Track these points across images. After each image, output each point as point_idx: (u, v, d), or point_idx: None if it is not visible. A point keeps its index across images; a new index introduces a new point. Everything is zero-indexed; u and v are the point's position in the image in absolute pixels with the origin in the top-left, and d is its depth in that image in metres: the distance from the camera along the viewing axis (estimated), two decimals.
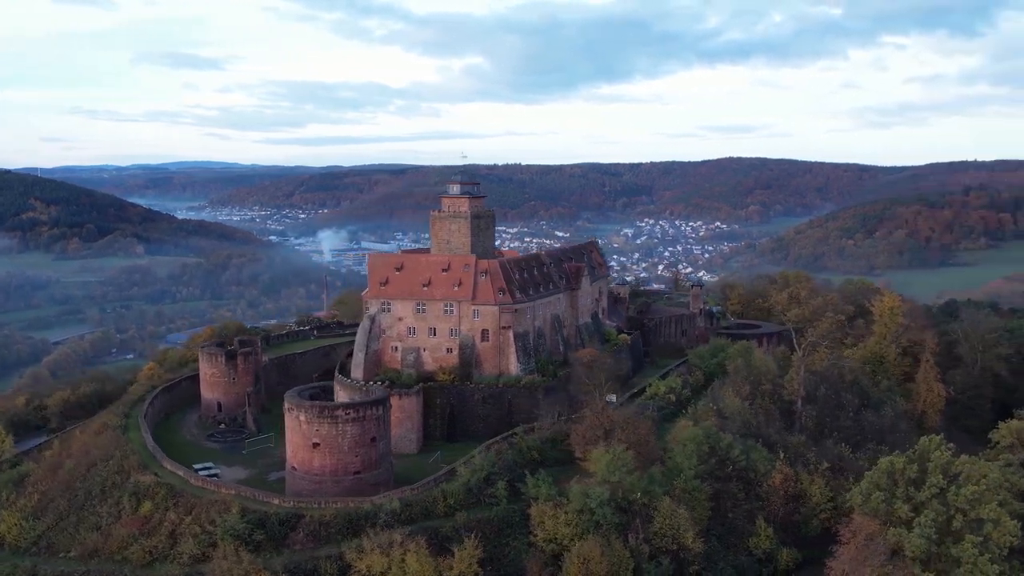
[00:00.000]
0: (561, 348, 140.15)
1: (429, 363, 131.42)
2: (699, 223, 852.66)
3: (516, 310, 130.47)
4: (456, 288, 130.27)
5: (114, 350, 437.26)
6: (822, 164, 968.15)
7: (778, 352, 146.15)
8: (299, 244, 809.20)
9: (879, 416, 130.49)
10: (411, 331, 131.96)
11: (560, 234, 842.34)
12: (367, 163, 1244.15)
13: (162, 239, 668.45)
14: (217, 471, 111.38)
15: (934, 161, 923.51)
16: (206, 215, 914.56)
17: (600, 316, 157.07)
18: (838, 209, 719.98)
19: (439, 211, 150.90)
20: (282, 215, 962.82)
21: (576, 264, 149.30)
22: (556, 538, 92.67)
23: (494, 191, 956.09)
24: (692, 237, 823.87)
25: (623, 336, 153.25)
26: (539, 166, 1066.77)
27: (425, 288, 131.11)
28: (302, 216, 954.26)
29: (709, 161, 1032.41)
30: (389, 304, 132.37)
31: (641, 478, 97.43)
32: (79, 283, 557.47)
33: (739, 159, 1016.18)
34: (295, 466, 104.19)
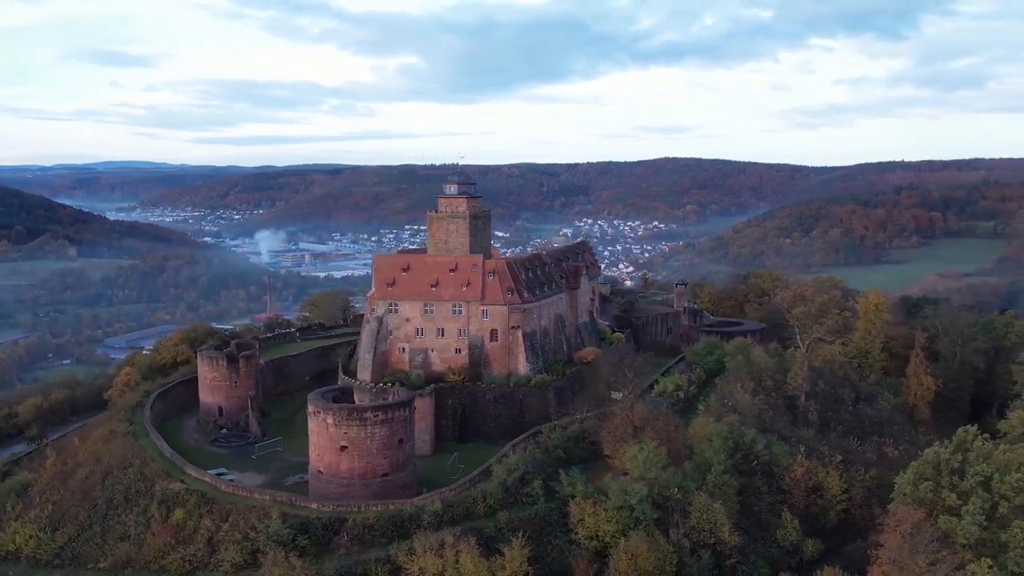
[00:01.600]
0: (565, 347, 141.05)
1: (437, 364, 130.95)
2: (637, 223, 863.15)
3: (524, 310, 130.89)
4: (465, 288, 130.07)
5: (50, 355, 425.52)
6: (755, 164, 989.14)
7: (771, 348, 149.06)
8: (236, 245, 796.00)
9: (876, 409, 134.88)
10: (419, 332, 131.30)
11: (500, 234, 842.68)
12: (301, 163, 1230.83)
13: (95, 241, 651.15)
14: (232, 477, 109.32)
15: (863, 161, 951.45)
16: (138, 216, 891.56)
17: (594, 315, 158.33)
18: (775, 208, 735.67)
19: (436, 211, 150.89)
20: (216, 216, 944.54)
21: (575, 263, 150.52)
22: (598, 535, 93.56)
23: (432, 191, 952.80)
24: (631, 237, 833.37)
25: (618, 334, 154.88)
26: (477, 166, 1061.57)
27: (433, 288, 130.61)
28: (237, 217, 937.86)
29: (645, 161, 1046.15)
30: (396, 305, 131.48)
31: (675, 474, 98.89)
32: (9, 287, 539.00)
33: (674, 159, 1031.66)
34: (321, 470, 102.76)
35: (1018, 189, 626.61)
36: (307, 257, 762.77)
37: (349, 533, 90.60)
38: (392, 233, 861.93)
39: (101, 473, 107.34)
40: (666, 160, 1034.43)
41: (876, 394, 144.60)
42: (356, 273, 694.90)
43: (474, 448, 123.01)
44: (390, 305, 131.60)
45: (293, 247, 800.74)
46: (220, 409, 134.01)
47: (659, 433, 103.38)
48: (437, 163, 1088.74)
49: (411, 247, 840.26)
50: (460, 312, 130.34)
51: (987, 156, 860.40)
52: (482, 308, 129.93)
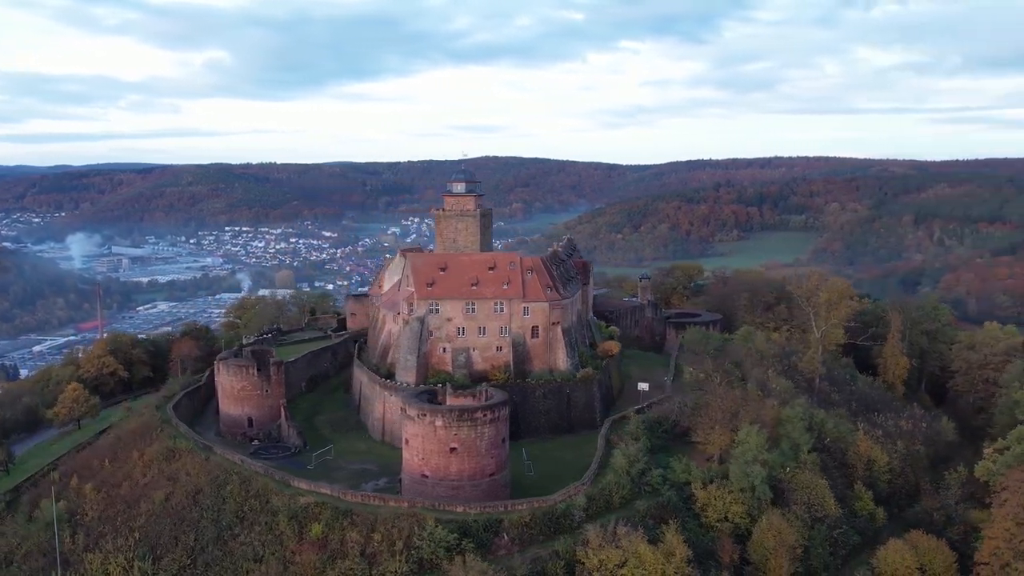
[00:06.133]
0: (586, 342, 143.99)
1: (479, 363, 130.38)
2: None
3: (563, 306, 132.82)
4: (506, 287, 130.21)
5: None
6: (574, 163, 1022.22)
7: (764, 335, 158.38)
8: (41, 251, 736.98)
9: (873, 388, 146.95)
10: (460, 331, 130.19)
11: (328, 234, 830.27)
12: (100, 162, 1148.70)
13: None
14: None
15: (673, 160, 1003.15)
16: None
17: None
18: (603, 206, 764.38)
19: (443, 210, 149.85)
20: (13, 219, 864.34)
21: (582, 260, 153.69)
22: (728, 516, 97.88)
23: (251, 191, 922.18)
24: None
25: (613, 328, 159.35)
26: (296, 165, 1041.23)
27: (474, 287, 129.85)
28: (37, 220, 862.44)
29: (467, 160, 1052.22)
30: (437, 305, 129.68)
31: (779, 455, 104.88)
32: None
33: (495, 158, 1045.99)
34: (427, 473, 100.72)
35: (823, 186, 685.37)
36: (124, 262, 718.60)
37: (509, 533, 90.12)
38: (212, 235, 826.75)
39: (187, 493, 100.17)
40: (487, 159, 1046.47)
41: (851, 375, 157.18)
42: (181, 277, 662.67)
43: (527, 444, 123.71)
44: (431, 305, 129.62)
45: (107, 251, 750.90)
46: (250, 420, 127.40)
47: (751, 417, 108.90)
48: (254, 162, 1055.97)
49: (233, 247, 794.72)
50: (502, 310, 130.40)
51: (783, 155, 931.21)
52: (523, 305, 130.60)
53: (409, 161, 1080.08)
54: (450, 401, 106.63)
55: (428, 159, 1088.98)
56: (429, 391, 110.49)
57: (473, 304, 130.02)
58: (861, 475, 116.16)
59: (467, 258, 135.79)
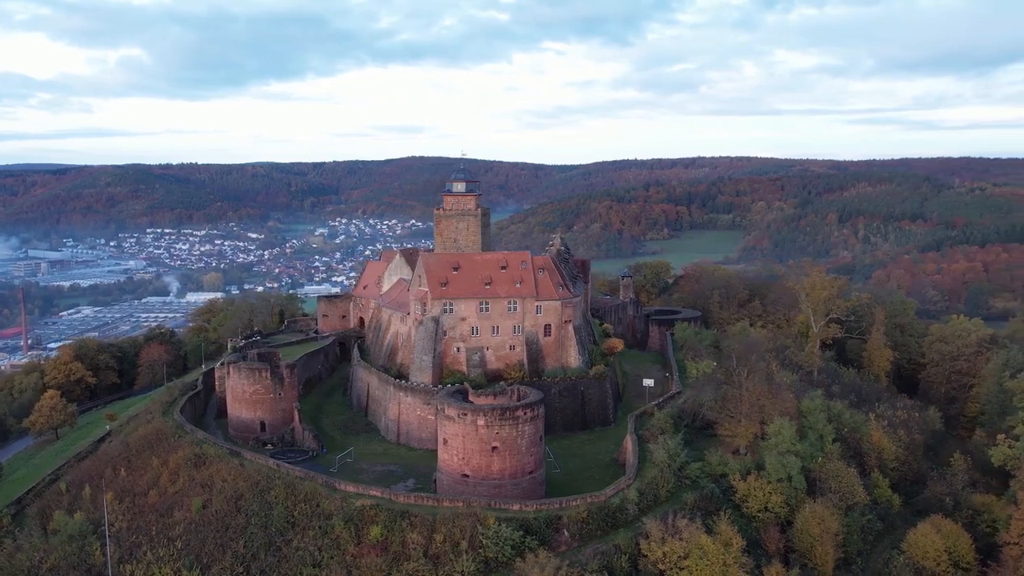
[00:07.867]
0: (592, 339, 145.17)
1: (492, 362, 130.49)
2: (394, 221, 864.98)
3: (574, 304, 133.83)
4: (519, 285, 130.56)
5: None
6: (501, 163, 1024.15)
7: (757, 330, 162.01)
8: None
9: (865, 380, 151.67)
10: (474, 331, 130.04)
11: (254, 236, 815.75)
12: (11, 163, 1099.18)
13: None
14: None
15: (598, 160, 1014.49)
16: None
17: None
18: (534, 206, 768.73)
19: (443, 209, 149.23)
20: None
21: (582, 258, 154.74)
22: (768, 506, 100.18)
23: (172, 192, 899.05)
24: (390, 235, 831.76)
25: (607, 326, 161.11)
26: (219, 165, 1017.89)
27: (487, 287, 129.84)
28: None
29: (393, 160, 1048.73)
30: (451, 304, 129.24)
31: (808, 446, 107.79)
32: None
33: (422, 158, 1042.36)
34: (468, 473, 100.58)
35: (749, 185, 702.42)
36: (43, 266, 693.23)
37: (569, 529, 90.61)
38: (134, 237, 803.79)
39: (226, 500, 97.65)
40: (413, 159, 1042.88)
41: (835, 368, 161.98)
42: (104, 281, 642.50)
43: (546, 442, 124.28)
44: (445, 305, 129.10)
45: (23, 255, 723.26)
46: (262, 424, 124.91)
47: (779, 409, 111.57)
48: (174, 163, 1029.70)
49: (157, 251, 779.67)
50: (515, 309, 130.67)
51: (707, 155, 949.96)
52: (536, 304, 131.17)
53: (334, 161, 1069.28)
54: (472, 401, 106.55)
55: (354, 159, 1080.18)
56: (460, 391, 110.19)
57: (487, 303, 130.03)
58: (875, 463, 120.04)
59: (479, 257, 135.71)
